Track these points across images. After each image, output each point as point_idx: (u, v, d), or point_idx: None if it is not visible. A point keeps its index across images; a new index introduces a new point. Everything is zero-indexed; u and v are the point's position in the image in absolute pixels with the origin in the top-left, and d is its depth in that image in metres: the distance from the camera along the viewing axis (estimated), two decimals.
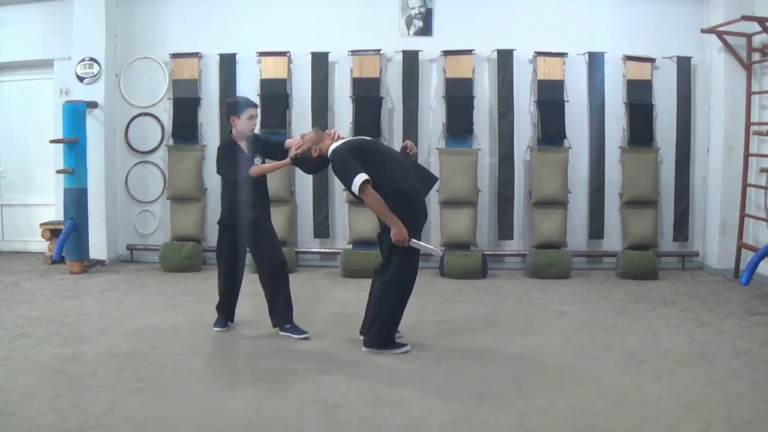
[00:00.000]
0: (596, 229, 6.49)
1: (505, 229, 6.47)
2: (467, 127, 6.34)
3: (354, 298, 5.25)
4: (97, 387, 3.40)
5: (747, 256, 5.69)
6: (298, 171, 5.78)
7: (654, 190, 6.35)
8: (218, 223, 4.38)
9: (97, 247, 6.52)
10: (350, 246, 6.36)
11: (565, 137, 6.34)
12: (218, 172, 4.35)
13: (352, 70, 6.40)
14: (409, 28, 6.55)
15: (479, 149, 6.38)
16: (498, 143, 6.45)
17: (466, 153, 6.33)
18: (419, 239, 3.89)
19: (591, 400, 3.27)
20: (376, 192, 3.73)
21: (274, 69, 6.47)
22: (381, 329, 3.95)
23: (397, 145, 5.41)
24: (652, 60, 6.39)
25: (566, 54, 6.37)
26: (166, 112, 6.70)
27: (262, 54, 6.50)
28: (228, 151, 4.20)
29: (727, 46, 6.09)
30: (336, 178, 4.10)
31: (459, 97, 6.31)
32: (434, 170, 5.57)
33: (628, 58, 6.37)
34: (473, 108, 6.32)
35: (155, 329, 4.46)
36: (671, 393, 3.34)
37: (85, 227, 6.32)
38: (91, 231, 6.42)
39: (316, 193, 6.54)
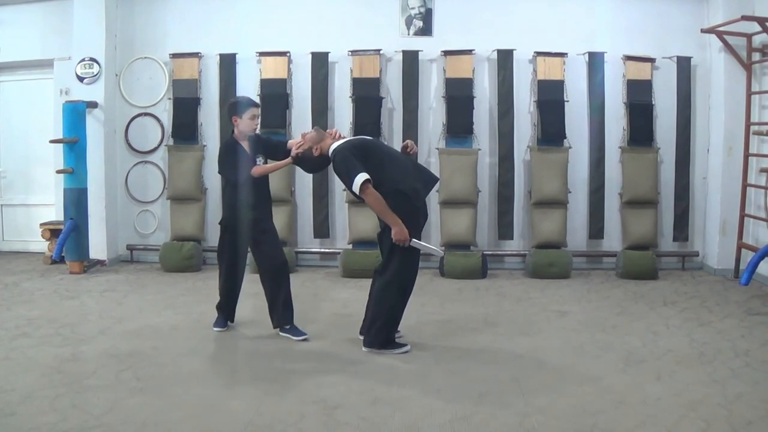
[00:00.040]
0: (596, 229, 6.49)
1: (505, 229, 6.47)
2: (467, 127, 6.34)
3: (354, 298, 5.25)
4: (97, 387, 3.40)
5: (747, 256, 5.69)
6: (299, 171, 5.80)
7: (654, 190, 6.35)
8: (220, 223, 4.38)
9: (97, 247, 6.52)
10: (350, 246, 6.36)
11: (565, 137, 6.34)
12: (220, 172, 4.35)
13: (352, 70, 6.40)
14: (409, 28, 6.55)
15: (479, 149, 6.38)
16: (498, 143, 6.45)
17: (466, 153, 6.33)
18: (420, 239, 3.89)
19: (591, 400, 3.27)
20: (377, 191, 3.73)
21: (274, 69, 6.47)
22: (381, 329, 3.95)
23: (397, 145, 5.41)
24: (652, 60, 6.39)
25: (566, 54, 6.37)
26: (166, 112, 6.70)
27: (262, 54, 6.50)
28: (230, 151, 4.20)
29: (727, 46, 6.09)
30: (336, 177, 4.10)
31: (459, 97, 6.31)
32: (434, 170, 5.57)
33: (628, 58, 6.37)
34: (473, 108, 6.32)
35: (155, 329, 4.46)
36: (671, 393, 3.34)
37: (85, 227, 6.32)
38: (91, 231, 6.41)
39: (316, 193, 6.55)
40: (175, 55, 6.59)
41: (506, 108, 6.39)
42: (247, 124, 4.20)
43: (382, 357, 3.90)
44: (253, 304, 4.74)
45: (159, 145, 6.75)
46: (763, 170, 5.71)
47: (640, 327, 4.55)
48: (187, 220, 6.52)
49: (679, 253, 6.58)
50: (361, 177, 3.69)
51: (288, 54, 6.49)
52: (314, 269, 6.54)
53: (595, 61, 6.39)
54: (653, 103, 6.37)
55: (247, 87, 6.42)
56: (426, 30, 6.53)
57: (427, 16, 6.52)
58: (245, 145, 4.22)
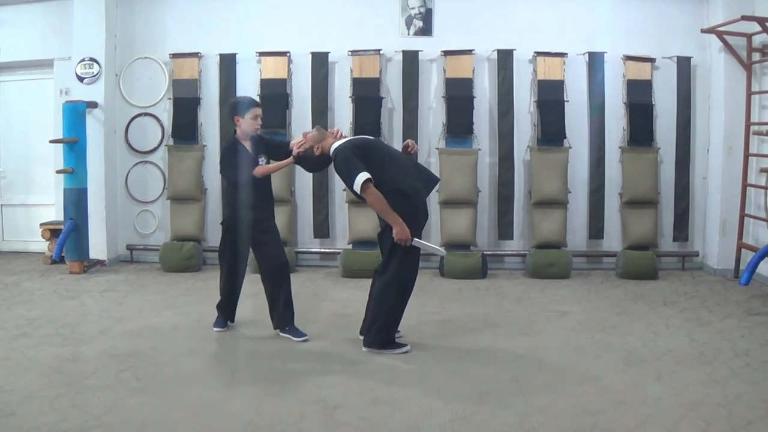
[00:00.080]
0: (596, 229, 6.49)
1: (505, 229, 6.47)
2: (467, 127, 6.34)
3: (354, 298, 5.25)
4: (97, 387, 3.40)
5: (747, 256, 5.69)
6: (299, 170, 5.81)
7: (654, 190, 6.35)
8: (222, 223, 4.38)
9: (97, 247, 6.52)
10: (350, 246, 6.36)
11: (565, 137, 6.34)
12: (222, 172, 4.34)
13: (352, 70, 6.40)
14: (409, 28, 6.55)
15: (479, 149, 6.38)
16: (498, 143, 6.45)
17: (466, 153, 6.33)
18: (420, 239, 3.88)
19: (591, 400, 3.27)
20: (378, 191, 3.73)
21: (274, 69, 6.47)
22: (381, 329, 3.95)
23: (397, 145, 5.41)
24: (652, 60, 6.39)
25: (566, 54, 6.37)
26: (166, 112, 6.70)
27: (262, 54, 6.50)
28: (232, 151, 4.19)
29: (727, 46, 6.09)
30: (336, 177, 4.10)
31: (459, 97, 6.31)
32: (434, 170, 5.57)
33: (628, 58, 6.37)
34: (473, 108, 6.32)
35: (155, 329, 4.46)
36: (671, 393, 3.34)
37: (85, 227, 6.32)
38: (91, 231, 6.41)
39: (316, 193, 6.54)
40: (175, 55, 6.59)
41: (506, 108, 6.39)
42: (250, 124, 4.19)
43: (382, 357, 3.90)
44: (253, 304, 4.74)
45: (159, 145, 6.75)
46: (763, 170, 5.71)
47: (640, 327, 4.55)
48: (187, 220, 6.52)
49: (679, 253, 6.58)
50: (363, 176, 3.70)
51: (288, 54, 6.49)
52: (314, 269, 6.54)
53: (595, 61, 6.39)
54: (653, 103, 6.37)
55: (247, 87, 6.42)
56: (426, 30, 6.53)
57: (427, 16, 6.52)
58: (247, 145, 4.22)
